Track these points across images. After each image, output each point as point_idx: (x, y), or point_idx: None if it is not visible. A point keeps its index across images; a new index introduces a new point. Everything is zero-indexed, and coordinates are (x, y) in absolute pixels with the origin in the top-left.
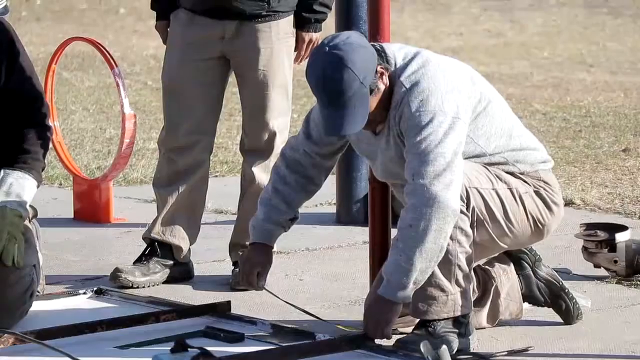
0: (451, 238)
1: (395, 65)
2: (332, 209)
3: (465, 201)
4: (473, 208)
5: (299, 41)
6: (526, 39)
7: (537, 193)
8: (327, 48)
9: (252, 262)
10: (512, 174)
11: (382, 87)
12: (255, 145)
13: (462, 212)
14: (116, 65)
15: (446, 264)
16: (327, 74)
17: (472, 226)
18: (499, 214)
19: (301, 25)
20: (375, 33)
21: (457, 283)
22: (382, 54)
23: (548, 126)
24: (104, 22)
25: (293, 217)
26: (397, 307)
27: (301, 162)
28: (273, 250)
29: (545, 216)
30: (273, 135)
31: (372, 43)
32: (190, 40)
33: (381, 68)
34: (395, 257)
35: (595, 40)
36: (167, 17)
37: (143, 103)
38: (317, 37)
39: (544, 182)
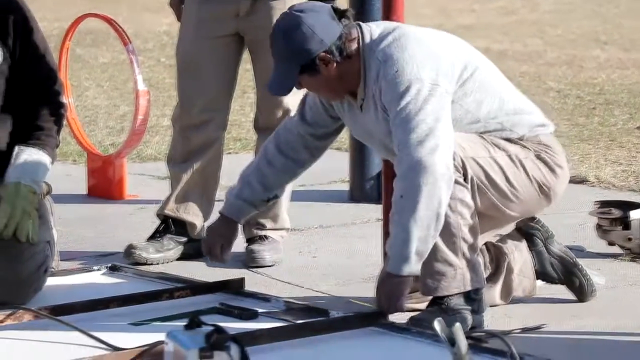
0: (452, 210)
1: (371, 39)
2: (346, 187)
3: (462, 171)
4: (472, 178)
5: None
6: (539, 17)
7: (539, 156)
8: (288, 11)
9: (216, 235)
10: (510, 140)
11: (320, 70)
12: (269, 123)
13: (459, 183)
14: (130, 42)
15: (450, 237)
16: (273, 33)
17: (473, 196)
18: (500, 181)
19: None
20: (388, 11)
21: (464, 256)
22: (346, 37)
23: (562, 104)
24: None
25: (269, 198)
26: (405, 280)
27: (293, 144)
28: (239, 225)
29: (549, 179)
30: (287, 112)
31: (347, 22)
32: (205, 17)
33: (325, 54)
34: (393, 230)
35: (609, 18)
36: None
37: (156, 80)
38: None
39: (545, 145)
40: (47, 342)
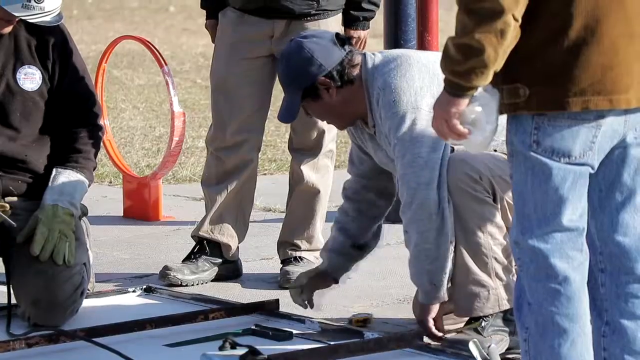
0: (481, 231)
1: (374, 65)
2: None
3: (490, 192)
4: (501, 198)
5: None
6: None
7: None
8: (293, 38)
9: (310, 287)
10: None
11: (322, 95)
12: (303, 144)
13: (488, 203)
14: (165, 64)
15: (481, 258)
16: (278, 59)
17: (505, 216)
18: None
19: (349, 23)
20: (424, 30)
21: (498, 277)
22: (349, 63)
23: None
24: (154, 20)
25: (359, 244)
26: (430, 306)
27: (354, 188)
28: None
29: None
30: (321, 133)
31: (350, 49)
32: (239, 39)
33: (325, 79)
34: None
35: None
36: (217, 15)
37: (192, 101)
38: (365, 34)
39: None
40: None
